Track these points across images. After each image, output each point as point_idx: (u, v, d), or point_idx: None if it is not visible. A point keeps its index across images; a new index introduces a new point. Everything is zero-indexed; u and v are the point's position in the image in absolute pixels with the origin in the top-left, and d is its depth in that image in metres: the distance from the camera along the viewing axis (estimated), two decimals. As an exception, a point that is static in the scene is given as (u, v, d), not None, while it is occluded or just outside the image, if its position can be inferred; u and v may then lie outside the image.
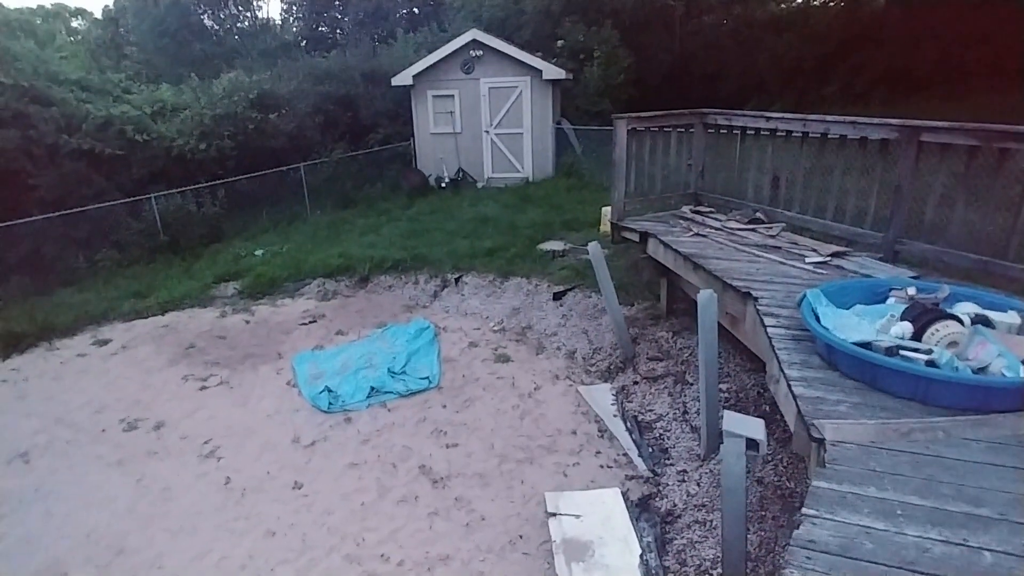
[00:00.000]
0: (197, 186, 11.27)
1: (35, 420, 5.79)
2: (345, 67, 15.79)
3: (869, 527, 1.93)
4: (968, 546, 1.84)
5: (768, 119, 5.59)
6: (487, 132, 12.82)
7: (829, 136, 5.07)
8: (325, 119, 14.49)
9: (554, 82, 12.51)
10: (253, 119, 12.82)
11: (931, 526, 1.92)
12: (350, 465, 4.80)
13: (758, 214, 5.90)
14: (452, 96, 12.79)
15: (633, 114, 6.26)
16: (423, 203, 11.96)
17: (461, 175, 13.09)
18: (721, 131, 6.29)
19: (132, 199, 10.67)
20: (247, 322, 7.76)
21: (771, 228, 5.61)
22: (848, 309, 3.44)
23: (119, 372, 6.66)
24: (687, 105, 6.55)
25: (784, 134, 5.48)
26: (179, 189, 11.06)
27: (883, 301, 3.52)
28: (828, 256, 4.78)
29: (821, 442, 2.40)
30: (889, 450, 2.34)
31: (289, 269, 8.99)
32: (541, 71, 12.16)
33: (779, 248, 5.11)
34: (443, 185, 12.88)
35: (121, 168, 11.35)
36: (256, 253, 9.97)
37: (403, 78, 12.82)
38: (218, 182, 11.59)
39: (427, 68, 12.64)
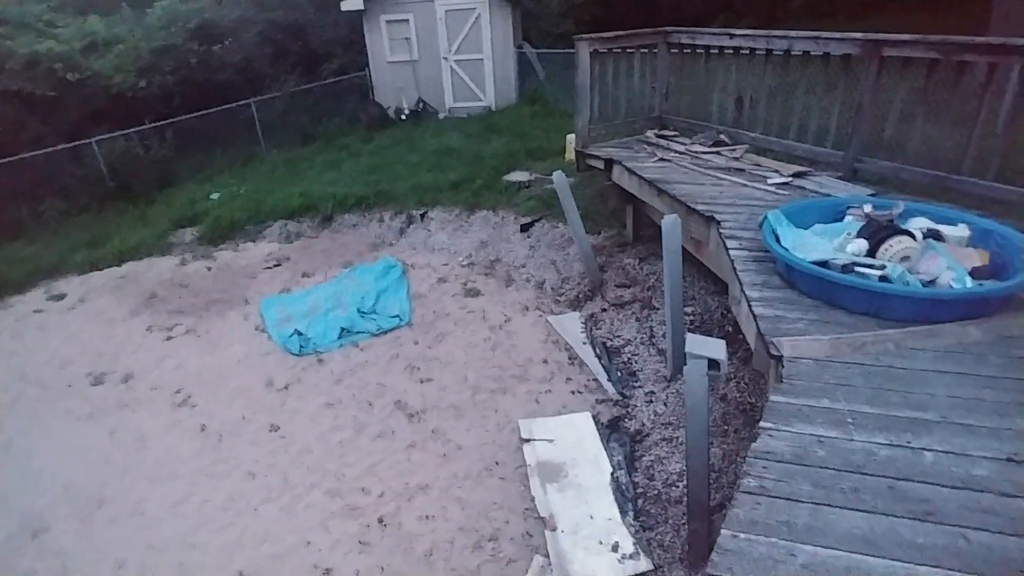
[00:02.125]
0: (141, 127, 10.61)
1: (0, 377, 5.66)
2: (291, -10, 14.72)
3: (822, 436, 2.04)
4: (911, 448, 1.96)
5: (732, 36, 5.46)
6: (446, 59, 12.25)
7: (792, 53, 4.98)
8: (274, 50, 13.64)
9: (514, 2, 11.91)
10: (195, 52, 11.98)
11: (879, 432, 2.04)
12: (325, 405, 4.84)
13: (722, 136, 5.86)
14: (407, 21, 12.09)
15: (595, 35, 6.02)
16: (384, 136, 11.54)
17: (421, 106, 12.59)
18: (685, 51, 6.13)
19: (72, 144, 10.02)
20: (209, 268, 7.56)
21: (735, 150, 5.59)
22: (808, 229, 3.50)
23: (79, 326, 6.48)
24: (655, 25, 6.30)
25: (748, 52, 5.36)
26: (122, 131, 10.40)
27: (841, 220, 3.58)
28: (790, 177, 4.81)
29: (779, 359, 2.49)
30: (843, 363, 2.44)
31: (249, 211, 8.69)
32: (500, -10, 11.54)
33: (743, 170, 5.11)
34: (403, 117, 12.40)
35: (56, 110, 10.60)
36: (212, 196, 9.58)
37: (353, 2, 12.00)
38: (164, 122, 10.93)
39: (378, -10, 11.87)
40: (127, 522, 3.92)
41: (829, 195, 4.28)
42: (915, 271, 2.91)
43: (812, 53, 4.77)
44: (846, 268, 2.94)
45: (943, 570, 1.52)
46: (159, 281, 7.30)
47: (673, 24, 6.26)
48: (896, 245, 3.02)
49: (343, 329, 5.77)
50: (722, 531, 1.68)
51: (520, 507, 3.69)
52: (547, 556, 3.30)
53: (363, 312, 6.00)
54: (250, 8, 14.02)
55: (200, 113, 11.42)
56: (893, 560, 1.56)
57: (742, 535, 1.66)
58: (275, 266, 7.39)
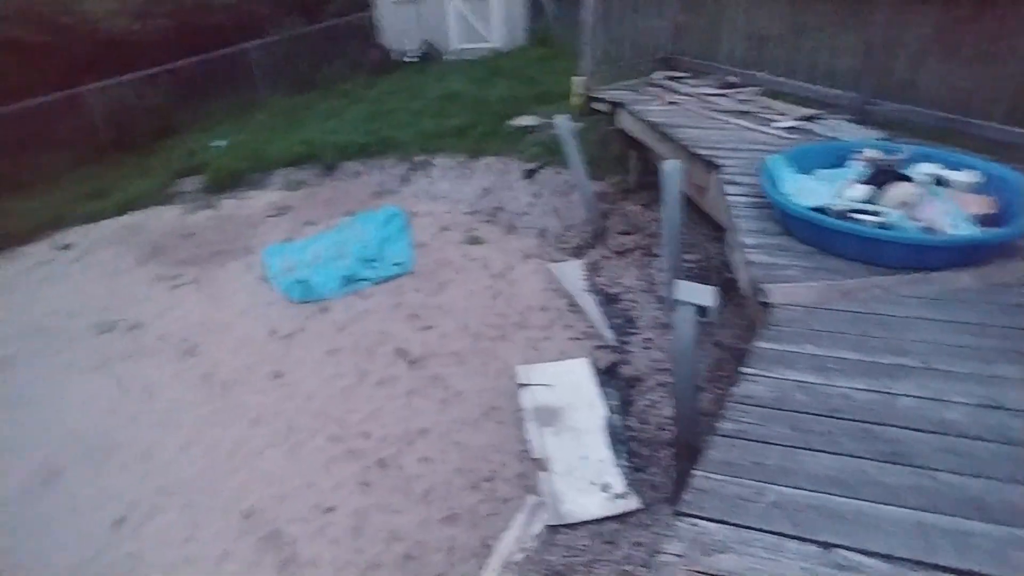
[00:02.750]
0: (137, 74, 10.41)
1: (7, 328, 5.79)
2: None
3: (802, 381, 2.05)
4: (889, 393, 1.96)
5: (744, -32, 5.19)
6: (450, -2, 11.80)
7: (806, -14, 4.74)
8: (271, -11, 13.21)
9: (522, -64, 11.36)
10: (190, -7, 11.64)
11: (859, 377, 2.04)
12: (328, 353, 4.92)
13: (731, 78, 5.66)
14: (409, -44, 11.62)
15: (601, -31, 5.75)
16: (386, 82, 11.27)
17: (426, 48, 12.22)
18: (695, -14, 5.86)
19: (66, 92, 9.87)
20: (213, 218, 7.57)
21: (743, 92, 5.41)
22: (810, 174, 3.42)
23: (85, 276, 6.58)
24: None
25: (761, -15, 5.12)
26: (117, 79, 10.22)
27: (845, 165, 3.49)
28: (798, 120, 4.66)
29: (767, 305, 2.48)
30: (830, 310, 2.43)
31: (251, 160, 8.62)
32: (505, -78, 10.97)
33: (751, 114, 4.96)
34: (407, 60, 12.07)
35: (47, 57, 10.39)
36: (213, 144, 9.50)
37: (352, -63, 11.53)
38: (161, 68, 10.72)
39: (377, -77, 11.34)
40: (136, 467, 4.07)
41: (836, 139, 4.15)
42: (915, 217, 2.84)
43: (826, -13, 4.54)
44: (843, 214, 2.89)
45: (907, 509, 1.55)
46: (163, 231, 7.34)
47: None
48: (896, 191, 2.95)
49: (345, 277, 5.80)
50: (696, 473, 1.72)
51: (516, 450, 3.78)
52: (540, 496, 3.41)
53: (366, 260, 6.01)
54: (246, -55, 13.47)
55: (197, 59, 11.17)
56: (860, 500, 1.59)
57: (715, 475, 1.70)
58: (278, 215, 7.39)
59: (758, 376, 2.09)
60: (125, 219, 7.81)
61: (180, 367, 4.97)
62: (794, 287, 2.56)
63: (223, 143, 9.52)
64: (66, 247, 7.27)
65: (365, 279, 5.82)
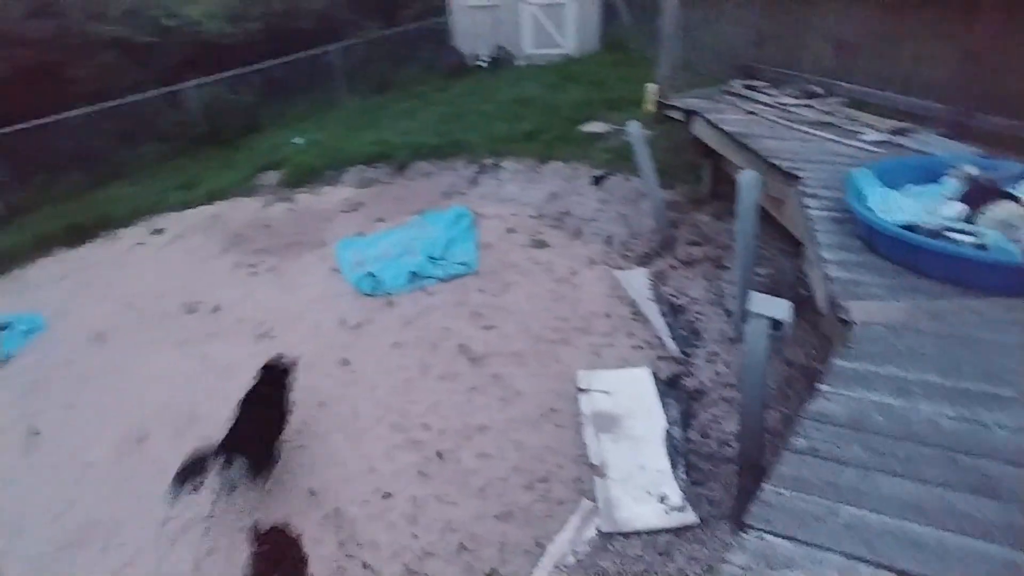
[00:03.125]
0: (231, 73, 11.09)
1: (106, 304, 6.28)
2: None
3: (882, 403, 1.96)
4: (980, 423, 1.85)
5: (835, -25, 5.01)
6: (527, 3, 11.93)
7: (906, -6, 4.52)
8: (355, -6, 13.75)
9: (600, -57, 11.36)
10: (281, -2, 12.28)
11: (947, 403, 1.94)
12: (394, 345, 5.07)
13: (815, 88, 5.46)
14: (488, -37, 11.84)
15: (684, -24, 5.69)
16: (460, 84, 11.52)
17: (500, 53, 12.40)
18: (781, -7, 5.70)
19: (169, 89, 10.64)
20: (290, 210, 7.96)
21: (827, 103, 5.21)
22: (899, 190, 3.26)
23: (175, 260, 7.05)
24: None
25: (852, -7, 4.92)
26: (213, 77, 10.92)
27: (938, 181, 3.30)
28: (887, 133, 4.45)
29: (847, 323, 2.39)
30: (917, 331, 2.31)
31: (328, 157, 9.01)
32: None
33: (834, 125, 4.77)
34: (481, 64, 12.28)
35: (154, 56, 11.23)
36: (294, 141, 9.98)
37: (435, -56, 11.86)
38: (251, 69, 11.37)
39: (460, -70, 11.62)
40: (214, 439, 4.33)
41: (928, 154, 3.94)
42: (1018, 240, 2.66)
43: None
44: (935, 233, 2.74)
45: (996, 545, 1.47)
46: (245, 221, 7.77)
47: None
48: (997, 210, 2.78)
49: (412, 273, 5.97)
50: (765, 486, 1.68)
51: (573, 453, 3.79)
52: (595, 501, 3.40)
53: (432, 258, 6.17)
54: (334, -47, 14.10)
55: (284, 60, 11.78)
56: (943, 531, 1.52)
57: (785, 491, 1.66)
58: (351, 210, 7.68)
59: (834, 394, 2.02)
60: (211, 208, 8.32)
61: (256, 349, 5.24)
62: (877, 305, 2.45)
63: (302, 140, 9.99)
64: (159, 232, 7.82)
65: (431, 276, 5.96)
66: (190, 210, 8.34)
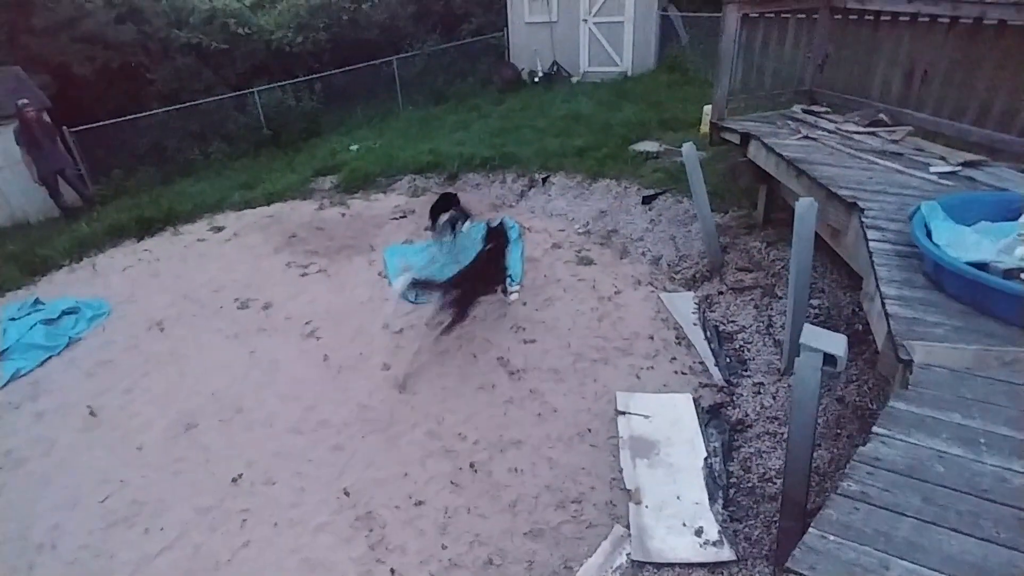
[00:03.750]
0: (295, 80, 11.55)
1: (167, 295, 6.58)
2: (439, -51, 15.06)
3: (944, 452, 1.85)
4: (1055, 481, 1.72)
5: (910, 1, 4.83)
6: (585, 21, 11.99)
7: (985, 21, 4.32)
8: (417, 8, 14.13)
9: (662, -38, 11.34)
10: (347, 9, 12.73)
11: (1016, 459, 1.81)
12: (434, 352, 5.11)
13: (881, 115, 5.27)
14: (549, -20, 11.97)
15: (747, -3, 5.60)
16: (514, 99, 11.63)
17: (555, 69, 12.49)
18: (850, 17, 5.53)
19: (238, 93, 11.16)
20: (343, 215, 8.17)
21: (895, 132, 5.01)
22: (970, 226, 3.09)
23: (233, 256, 7.33)
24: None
25: (928, 19, 4.73)
26: (279, 83, 11.39)
27: (1015, 218, 3.12)
28: (959, 165, 4.24)
29: (908, 363, 2.27)
30: (986, 378, 2.17)
31: (382, 164, 9.23)
32: (650, -51, 11.00)
33: (901, 155, 4.58)
34: (536, 79, 12.39)
35: (226, 62, 11.82)
36: (351, 148, 10.27)
37: (498, -39, 12.08)
38: (315, 76, 11.81)
39: (525, -53, 11.80)
40: (259, 431, 4.46)
41: (1005, 189, 3.73)
42: (1102, 285, 2.49)
43: (1010, 23, 4.11)
44: (1010, 273, 2.58)
45: (1069, 617, 1.36)
46: (300, 223, 8.02)
47: (839, -13, 5.63)
48: (1079, 252, 2.60)
49: (457, 283, 6.01)
50: (810, 530, 1.60)
51: (607, 476, 3.72)
52: (628, 527, 3.32)
53: (477, 269, 6.20)
54: (399, -32, 14.57)
55: (346, 69, 12.19)
56: (1010, 596, 1.41)
57: (831, 537, 1.57)
58: (401, 217, 7.83)
59: (891, 439, 1.92)
60: (269, 209, 8.63)
61: (303, 347, 5.39)
62: (943, 348, 2.32)
63: (357, 147, 10.28)
64: (219, 229, 8.15)
65: (475, 287, 5.99)
66: (249, 210, 8.67)
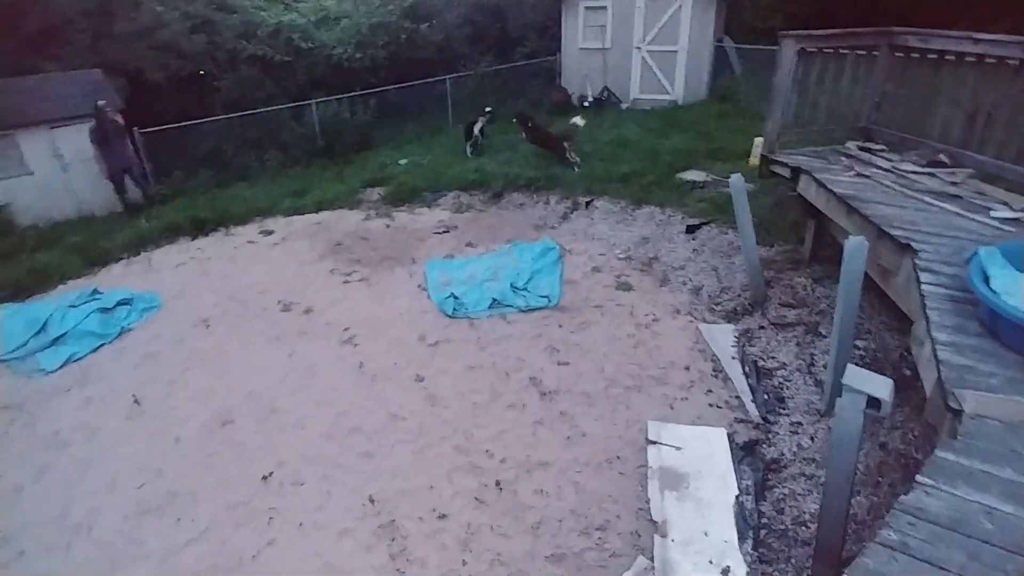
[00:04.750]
0: (351, 94, 11.92)
1: (214, 293, 6.82)
2: (498, -26, 15.42)
3: (993, 508, 1.76)
4: (1116, 549, 1.62)
5: (976, 41, 4.70)
6: (638, 49, 12.06)
7: (1057, 64, 4.18)
8: (473, 30, 14.45)
9: (720, -6, 11.33)
10: (405, 29, 13.12)
11: (1073, 521, 1.71)
12: (468, 368, 5.15)
13: (941, 156, 5.11)
14: (605, 8, 12.10)
15: (805, 32, 5.55)
16: (563, 122, 11.70)
17: (606, 94, 12.56)
18: (912, 55, 5.41)
19: (296, 104, 11.59)
20: (387, 226, 8.35)
21: (955, 173, 4.85)
22: (1031, 274, 2.96)
23: (279, 260, 7.57)
24: (877, 25, 5.64)
25: (994, 60, 4.60)
26: (336, 96, 11.79)
27: (1081, 269, 2.97)
28: (1022, 211, 4.08)
29: (958, 413, 2.17)
30: (1042, 434, 2.07)
31: (428, 180, 9.42)
32: (709, -19, 11.02)
33: (960, 198, 4.43)
34: (586, 104, 12.48)
35: (287, 74, 12.31)
36: (400, 162, 10.52)
37: (556, -13, 12.29)
38: (370, 91, 12.17)
39: (582, -24, 11.99)
40: (291, 432, 4.55)
41: (1070, 239, 3.56)
42: None
43: (1081, 66, 3.97)
44: (1073, 326, 2.46)
45: None
46: (345, 232, 8.24)
47: (900, 25, 5.53)
48: None
49: (494, 300, 6.06)
50: (845, 577, 1.55)
51: (634, 506, 3.65)
52: (652, 559, 3.25)
53: (515, 288, 6.24)
54: (458, -10, 14.97)
55: (400, 86, 12.54)
56: (1059, 667, 1.33)
57: (868, 587, 1.51)
58: (444, 232, 7.95)
59: (936, 489, 1.83)
60: (317, 216, 8.90)
61: (340, 353, 5.50)
62: (995, 398, 2.22)
63: (406, 161, 10.52)
64: (269, 233, 8.44)
65: (512, 305, 6.03)
66: (298, 216, 8.96)
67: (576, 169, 8.84)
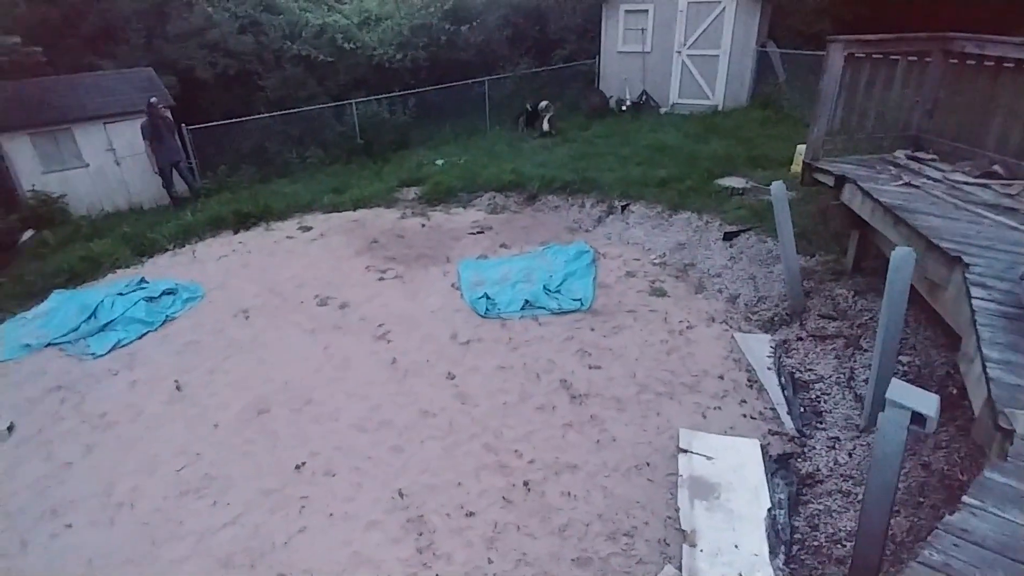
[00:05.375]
0: (391, 95, 12.11)
1: (254, 285, 7.01)
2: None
3: (1046, 534, 1.69)
4: None
5: (1037, 48, 4.52)
6: (679, 53, 11.93)
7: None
8: (513, 33, 14.51)
9: (766, -1, 11.13)
10: (446, 31, 13.27)
11: None
12: (498, 367, 5.17)
13: (996, 167, 4.92)
14: (646, 11, 12.00)
15: (854, 36, 5.41)
16: (600, 125, 11.69)
17: (644, 98, 12.46)
18: (967, 62, 5.22)
19: (337, 103, 11.83)
20: (423, 225, 8.45)
21: (1011, 185, 4.67)
22: (1092, 292, 2.84)
23: (317, 255, 7.73)
24: (930, 30, 5.46)
25: (1056, 69, 4.41)
26: (376, 96, 11.99)
27: None
28: (1083, 226, 3.90)
29: (1009, 433, 2.09)
30: (1101, 459, 1.97)
31: (464, 180, 9.50)
32: (752, -15, 10.84)
33: (1016, 211, 4.26)
34: (624, 108, 12.40)
35: (330, 74, 12.57)
36: (437, 162, 10.63)
37: (597, -10, 12.25)
38: (410, 92, 12.33)
39: (624, -21, 11.92)
40: (325, 424, 4.64)
41: None
42: None
43: None
44: None
45: None
46: (382, 229, 8.36)
47: (953, 30, 5.34)
48: None
49: (526, 301, 6.07)
50: (885, 596, 1.50)
51: (663, 513, 3.61)
52: (679, 568, 3.21)
53: (548, 290, 6.24)
54: (499, -8, 15.06)
55: (439, 87, 12.67)
56: None
57: (908, 608, 1.47)
58: (478, 233, 8.00)
59: (983, 511, 1.77)
60: (355, 214, 9.06)
61: (374, 348, 5.58)
62: (1050, 420, 2.13)
63: (443, 161, 10.62)
64: (307, 229, 8.63)
65: (544, 307, 6.03)
66: (336, 213, 9.13)
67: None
